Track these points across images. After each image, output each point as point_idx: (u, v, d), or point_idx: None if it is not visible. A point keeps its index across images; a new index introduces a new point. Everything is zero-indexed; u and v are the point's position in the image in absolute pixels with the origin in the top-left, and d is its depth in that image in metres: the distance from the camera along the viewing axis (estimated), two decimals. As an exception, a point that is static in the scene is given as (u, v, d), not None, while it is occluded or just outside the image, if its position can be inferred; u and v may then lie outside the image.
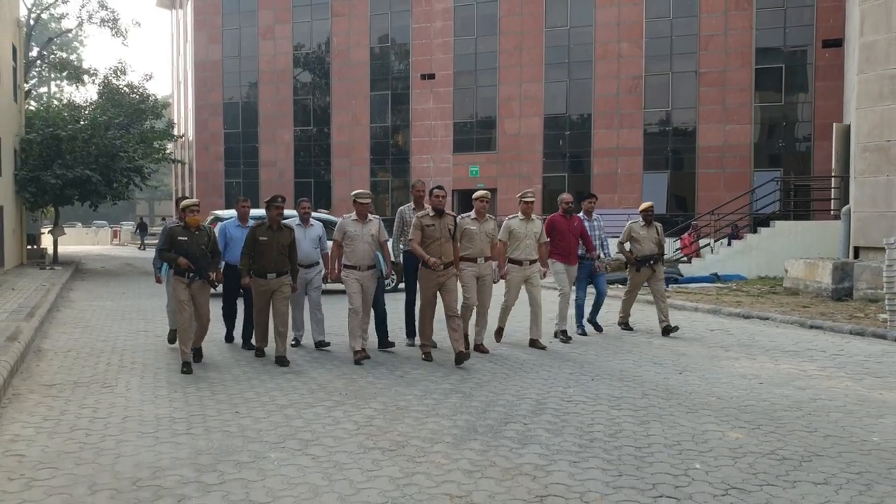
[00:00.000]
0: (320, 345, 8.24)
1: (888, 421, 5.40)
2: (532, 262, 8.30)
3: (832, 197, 16.77)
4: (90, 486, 4.06)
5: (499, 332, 8.58)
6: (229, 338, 8.70)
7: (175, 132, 31.94)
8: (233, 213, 14.21)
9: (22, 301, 11.63)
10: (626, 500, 3.87)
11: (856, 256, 13.19)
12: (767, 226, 17.33)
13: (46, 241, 24.95)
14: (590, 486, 4.07)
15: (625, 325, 9.59)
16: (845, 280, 12.17)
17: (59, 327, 10.12)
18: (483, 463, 4.46)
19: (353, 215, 7.69)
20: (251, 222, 8.37)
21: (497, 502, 3.86)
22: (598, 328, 9.33)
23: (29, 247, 24.17)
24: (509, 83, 31.58)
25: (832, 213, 16.99)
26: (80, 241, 43.71)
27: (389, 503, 3.84)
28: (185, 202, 7.33)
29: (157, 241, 8.60)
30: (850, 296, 11.99)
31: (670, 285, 13.68)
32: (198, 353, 7.52)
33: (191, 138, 39.13)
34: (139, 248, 38.09)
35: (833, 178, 16.32)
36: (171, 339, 8.42)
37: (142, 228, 40.07)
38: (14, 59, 20.74)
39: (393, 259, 8.20)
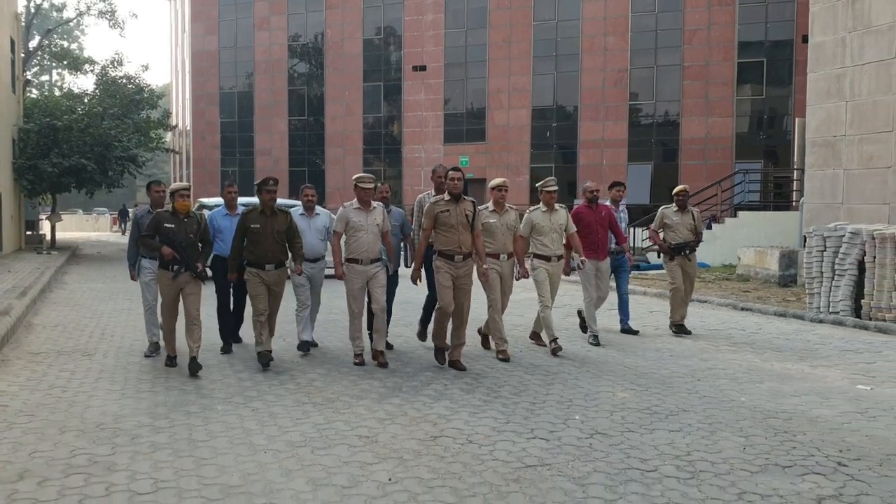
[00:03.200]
0: (304, 346, 7.26)
1: (764, 386, 6.17)
2: (559, 257, 7.48)
3: (794, 189, 17.49)
4: (60, 428, 4.85)
5: (554, 342, 7.37)
6: (227, 349, 7.47)
7: (170, 122, 32.67)
8: (220, 200, 14.94)
9: (16, 282, 12.43)
10: (504, 440, 4.66)
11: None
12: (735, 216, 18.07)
13: (45, 227, 25.76)
14: (478, 430, 4.86)
15: (679, 327, 8.45)
16: (791, 267, 12.91)
17: (50, 305, 10.93)
18: (396, 413, 5.25)
19: (355, 203, 6.85)
20: (241, 209, 7.38)
21: (397, 441, 4.64)
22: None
23: (28, 232, 25.00)
24: (498, 75, 32.22)
25: (794, 204, 17.71)
26: (80, 228, 44.50)
27: (307, 441, 4.62)
28: (173, 186, 6.62)
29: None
30: (795, 282, 12.73)
31: (632, 272, 14.38)
32: (194, 364, 6.38)
33: (188, 127, 39.88)
34: (122, 234, 39.31)
35: (795, 171, 17.03)
36: (150, 353, 7.24)
37: (122, 214, 41.56)
38: (12, 51, 21.48)
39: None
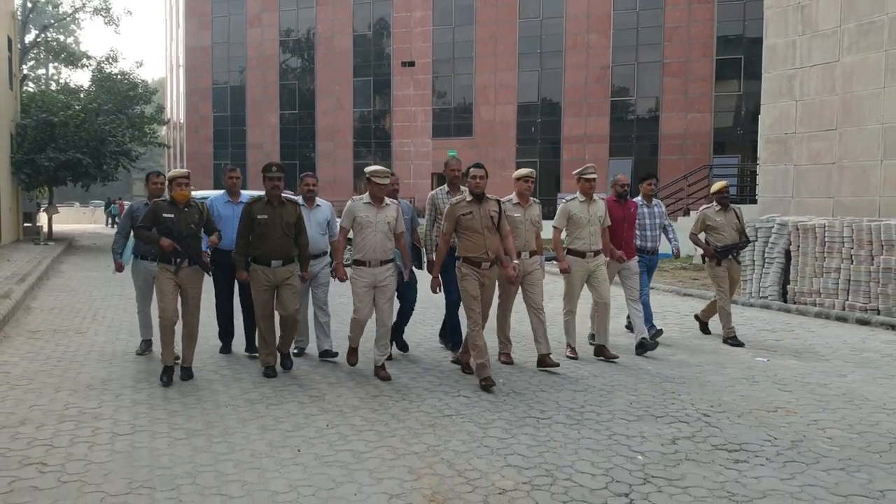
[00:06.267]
0: (326, 354, 6.76)
1: (675, 358, 7.01)
2: (596, 252, 6.87)
3: (757, 183, 18.31)
4: (55, 388, 5.69)
5: (572, 350, 7.00)
6: (226, 349, 7.07)
7: (164, 116, 33.43)
8: (207, 193, 15.61)
9: (15, 270, 13.25)
10: (432, 398, 5.50)
11: (760, 236, 14.75)
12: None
13: (43, 219, 26.54)
14: (413, 391, 5.70)
15: (733, 339, 7.69)
16: (743, 257, 13.75)
17: (47, 291, 11.76)
18: (346, 378, 6.09)
19: (366, 197, 6.14)
20: (245, 197, 6.75)
21: (341, 399, 5.47)
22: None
23: (27, 224, 25.81)
24: (485, 72, 33.06)
25: (756, 197, 18.58)
26: (77, 220, 45.29)
27: (263, 399, 5.47)
28: (172, 172, 6.07)
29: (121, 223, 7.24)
30: (746, 271, 13.57)
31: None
32: (187, 372, 6.05)
33: (182, 121, 40.66)
34: (106, 225, 40.38)
35: (759, 166, 17.85)
36: (142, 351, 6.99)
37: (108, 206, 42.81)
38: (9, 49, 22.23)
39: (426, 255, 6.91)
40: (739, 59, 29.49)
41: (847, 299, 9.05)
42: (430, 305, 8.71)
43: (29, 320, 8.93)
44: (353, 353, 6.35)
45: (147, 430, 4.69)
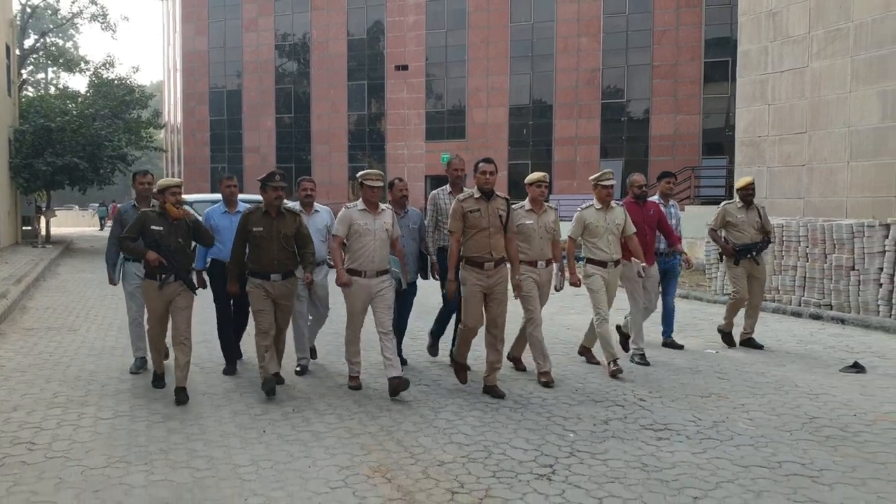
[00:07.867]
0: (302, 368, 6.47)
1: (630, 351, 7.44)
2: (616, 262, 6.58)
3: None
4: (46, 380, 6.15)
5: (614, 363, 6.40)
6: (231, 370, 6.51)
7: (160, 121, 33.93)
8: (200, 197, 16.07)
9: (13, 271, 13.71)
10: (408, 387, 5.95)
11: (736, 236, 15.20)
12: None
13: (42, 223, 27.01)
14: (380, 381, 6.13)
15: (748, 340, 7.66)
16: (718, 256, 14.20)
17: (43, 292, 12.22)
18: (318, 371, 6.54)
19: (360, 204, 5.87)
20: (242, 206, 6.50)
21: (310, 388, 5.93)
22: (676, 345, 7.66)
23: (25, 227, 26.28)
24: (477, 75, 33.51)
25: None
26: (75, 223, 45.76)
27: (238, 388, 5.92)
28: (163, 182, 5.67)
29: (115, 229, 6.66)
30: (720, 269, 14.02)
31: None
32: (181, 394, 5.52)
33: (179, 125, 41.16)
34: (99, 229, 40.91)
35: (735, 168, 18.30)
36: (136, 369, 6.46)
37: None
38: (7, 56, 22.71)
39: (432, 256, 6.63)
40: (727, 61, 29.87)
41: (803, 295, 9.49)
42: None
43: (24, 319, 9.39)
44: (356, 379, 5.95)
45: (128, 415, 5.15)
